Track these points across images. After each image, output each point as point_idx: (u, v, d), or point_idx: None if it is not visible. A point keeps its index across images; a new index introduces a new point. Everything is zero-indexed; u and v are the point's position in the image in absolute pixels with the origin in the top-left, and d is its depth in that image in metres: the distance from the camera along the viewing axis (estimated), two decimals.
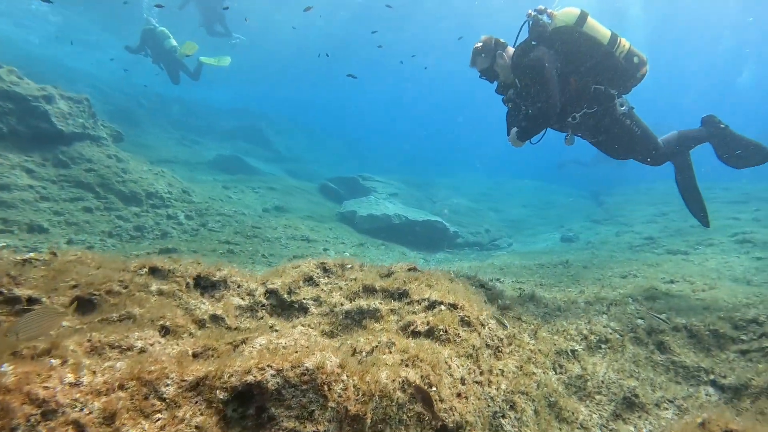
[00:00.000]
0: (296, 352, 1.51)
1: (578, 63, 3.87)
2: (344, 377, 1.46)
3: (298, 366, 1.42)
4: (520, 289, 4.51)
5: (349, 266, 2.94)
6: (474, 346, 2.12)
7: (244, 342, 1.58)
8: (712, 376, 2.76)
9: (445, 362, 1.88)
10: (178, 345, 1.60)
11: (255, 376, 1.36)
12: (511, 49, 4.15)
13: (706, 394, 2.65)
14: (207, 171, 14.11)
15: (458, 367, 1.93)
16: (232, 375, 1.35)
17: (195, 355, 1.56)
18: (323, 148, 26.69)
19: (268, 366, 1.39)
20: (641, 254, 7.55)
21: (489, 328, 2.37)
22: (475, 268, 6.64)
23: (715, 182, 17.11)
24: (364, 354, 1.98)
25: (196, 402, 1.28)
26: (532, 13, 4.07)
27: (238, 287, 2.44)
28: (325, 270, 2.85)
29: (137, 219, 7.49)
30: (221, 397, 1.31)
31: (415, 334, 2.12)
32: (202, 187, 10.38)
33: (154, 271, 2.18)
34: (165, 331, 1.75)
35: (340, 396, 1.42)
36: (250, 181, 13.01)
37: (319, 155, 25.01)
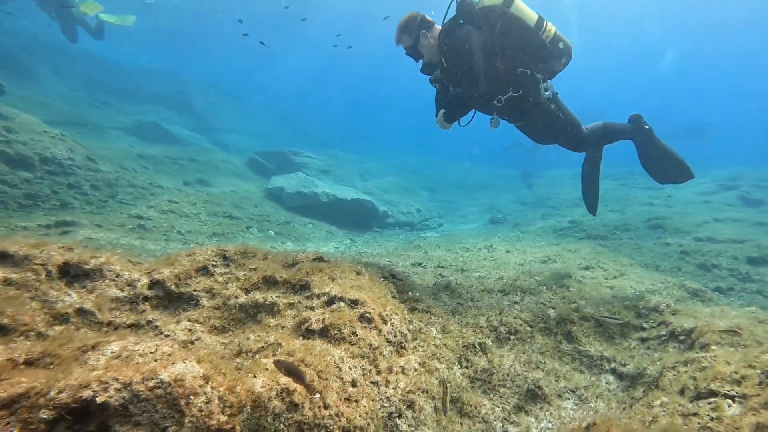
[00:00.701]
0: (154, 360, 1.33)
1: (505, 45, 3.77)
2: (208, 389, 1.31)
3: (151, 378, 1.24)
4: (440, 275, 4.52)
5: (252, 254, 2.74)
6: (371, 345, 2.04)
7: (94, 348, 1.37)
8: (613, 365, 2.85)
9: (336, 365, 1.78)
10: (8, 349, 1.36)
11: (94, 391, 1.17)
12: (438, 28, 3.98)
13: (606, 383, 2.74)
14: (122, 138, 12.98)
15: (351, 369, 1.84)
16: (63, 390, 1.15)
17: (28, 363, 1.33)
18: (256, 119, 25.56)
19: (113, 379, 1.20)
20: (564, 238, 7.88)
21: (392, 323, 2.30)
22: (400, 251, 6.64)
23: (633, 166, 18.40)
24: (251, 354, 1.83)
25: (8, 423, 1.07)
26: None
27: (117, 277, 2.18)
28: (225, 258, 2.64)
29: (28, 186, 6.70)
30: (45, 416, 1.11)
31: (310, 332, 2.00)
32: (114, 155, 9.53)
33: (3, 257, 1.88)
34: (1, 330, 1.49)
35: (201, 410, 1.27)
36: (170, 152, 12.15)
37: (251, 127, 23.93)
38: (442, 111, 3.92)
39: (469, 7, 3.82)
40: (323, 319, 2.04)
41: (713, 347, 2.46)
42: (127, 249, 5.41)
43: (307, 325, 2.03)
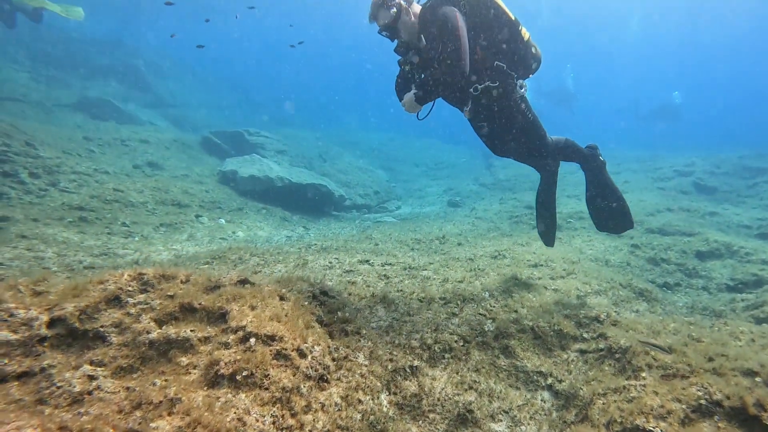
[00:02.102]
0: None
1: (490, 34, 3.68)
2: None
3: None
4: (384, 275, 4.45)
5: (172, 277, 2.58)
6: (285, 388, 1.95)
7: None
8: (549, 380, 2.80)
9: (240, 419, 1.68)
10: None
11: None
12: (417, 6, 3.77)
13: (542, 401, 2.69)
14: (67, 116, 12.15)
15: (258, 420, 1.75)
16: None
17: None
18: (211, 92, 24.43)
19: None
20: (518, 226, 7.93)
21: (313, 356, 2.21)
22: (351, 243, 6.55)
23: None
24: (151, 407, 1.71)
25: None
26: None
27: (10, 317, 1.98)
28: (143, 283, 2.47)
29: None
30: None
31: (219, 377, 1.89)
32: (57, 138, 8.89)
33: None
34: None
35: None
36: (120, 131, 11.46)
37: (207, 100, 22.90)
38: (413, 92, 3.64)
39: None
40: (234, 361, 1.94)
41: (644, 374, 2.47)
42: (63, 245, 5.08)
43: (216, 368, 1.92)
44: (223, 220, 7.88)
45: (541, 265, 4.74)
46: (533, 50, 3.91)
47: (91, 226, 6.15)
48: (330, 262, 5.06)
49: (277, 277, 3.24)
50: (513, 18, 3.78)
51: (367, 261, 5.10)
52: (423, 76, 3.76)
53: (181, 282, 2.59)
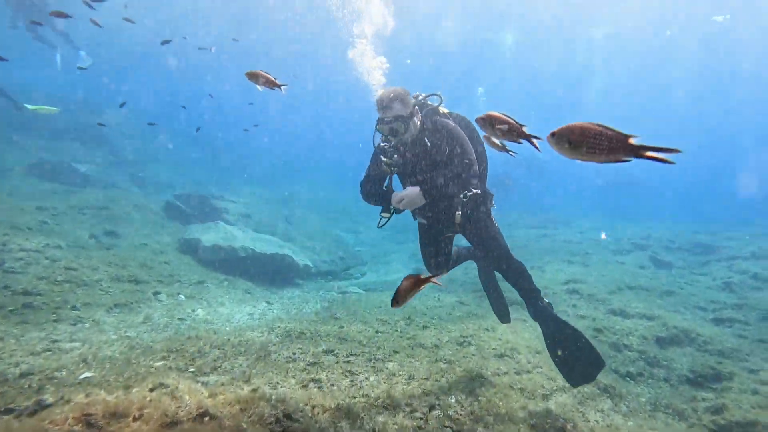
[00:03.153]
0: None
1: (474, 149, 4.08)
2: None
3: None
4: (350, 371, 4.30)
5: (124, 414, 2.38)
6: None
7: None
8: None
9: None
10: None
11: None
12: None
13: None
14: (21, 183, 11.59)
15: None
16: None
17: None
18: (181, 151, 24.15)
19: None
20: (483, 301, 7.63)
21: None
22: (316, 324, 6.36)
23: (554, 212, 19.29)
24: None
25: None
26: (422, 96, 4.27)
27: None
28: (90, 425, 2.26)
29: None
30: None
31: None
32: (5, 210, 8.43)
33: None
34: None
35: None
36: (77, 197, 11.01)
37: (175, 159, 22.57)
38: (419, 188, 3.77)
39: (436, 109, 4.20)
40: None
41: None
42: None
43: None
44: (182, 296, 7.53)
45: (507, 356, 4.73)
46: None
47: (36, 314, 5.70)
48: (293, 353, 4.88)
49: (239, 396, 3.05)
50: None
51: (332, 351, 4.95)
52: (438, 173, 3.84)
53: (134, 420, 2.39)
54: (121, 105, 13.70)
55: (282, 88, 3.06)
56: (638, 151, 1.63)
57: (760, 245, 10.95)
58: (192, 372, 4.30)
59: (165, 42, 8.88)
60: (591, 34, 28.47)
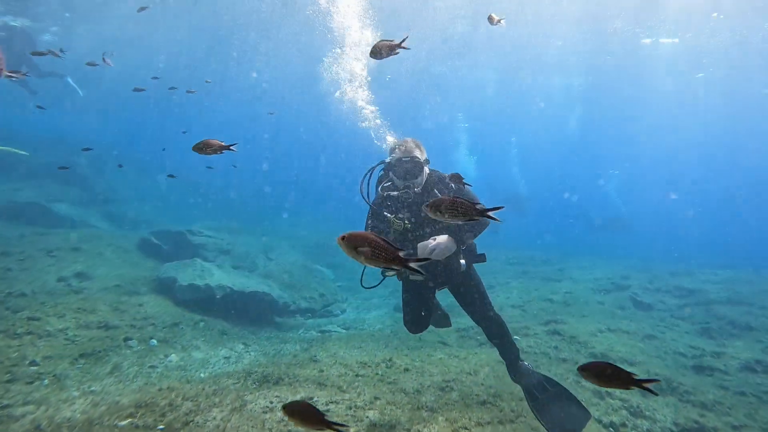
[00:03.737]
0: None
1: None
2: None
3: None
4: None
5: None
6: None
7: None
8: None
9: None
10: None
11: None
12: None
13: None
14: None
15: None
16: None
17: None
18: (158, 188, 23.69)
19: None
20: (465, 341, 7.67)
21: None
22: (293, 368, 6.05)
23: (533, 250, 19.23)
24: None
25: None
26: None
27: None
28: None
29: None
30: None
31: None
32: None
33: None
34: None
35: None
36: (48, 239, 10.56)
37: (152, 195, 22.11)
38: (446, 235, 3.52)
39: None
40: None
41: None
42: None
43: None
44: (155, 341, 7.12)
45: (489, 403, 4.51)
46: None
47: None
48: (270, 402, 4.58)
49: None
50: None
51: (311, 399, 4.66)
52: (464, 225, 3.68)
53: None
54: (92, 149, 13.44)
55: (232, 147, 2.92)
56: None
57: (736, 290, 10.94)
58: (161, 430, 3.97)
59: (138, 89, 8.82)
60: None
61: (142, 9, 10.83)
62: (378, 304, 11.45)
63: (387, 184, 3.93)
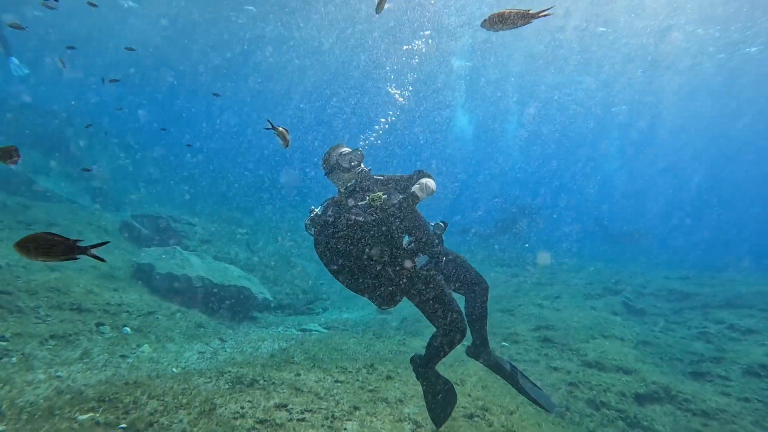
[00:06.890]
0: None
1: None
2: None
3: None
4: None
5: None
6: None
7: None
8: None
9: None
10: None
11: None
12: None
13: None
14: None
15: None
16: None
17: None
18: (146, 167, 23.00)
19: None
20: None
21: None
22: (269, 369, 5.88)
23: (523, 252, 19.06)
24: None
25: None
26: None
27: None
28: None
29: None
30: None
31: None
32: None
33: None
34: None
35: None
36: (26, 212, 10.14)
37: (140, 175, 21.46)
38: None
39: None
40: None
41: None
42: None
43: None
44: (128, 329, 6.86)
45: (477, 417, 4.42)
46: None
47: None
48: (242, 407, 4.41)
49: None
50: None
51: (285, 406, 4.50)
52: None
53: None
54: (87, 126, 12.96)
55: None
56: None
57: (735, 292, 10.38)
58: (122, 429, 3.77)
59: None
60: None
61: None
62: (361, 305, 11.31)
63: (348, 205, 3.83)
